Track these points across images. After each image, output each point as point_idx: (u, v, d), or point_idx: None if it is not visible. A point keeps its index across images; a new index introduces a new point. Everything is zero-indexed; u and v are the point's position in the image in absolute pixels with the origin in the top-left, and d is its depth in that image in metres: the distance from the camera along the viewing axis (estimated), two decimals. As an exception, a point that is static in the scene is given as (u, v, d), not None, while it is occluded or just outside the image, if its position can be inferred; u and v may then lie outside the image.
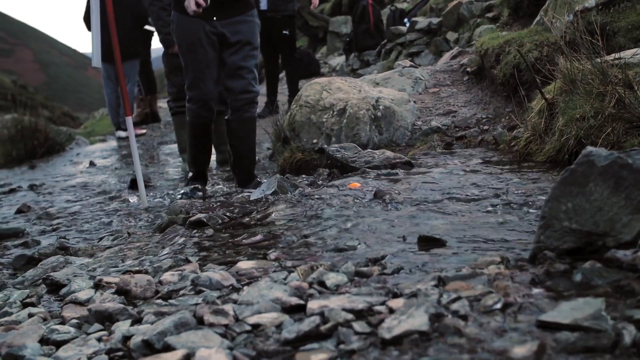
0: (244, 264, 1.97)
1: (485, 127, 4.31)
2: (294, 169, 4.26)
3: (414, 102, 4.84)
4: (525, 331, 1.20)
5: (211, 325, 1.43)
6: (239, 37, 3.79)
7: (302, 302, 1.51)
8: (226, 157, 4.93)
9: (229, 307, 1.50)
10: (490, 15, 7.71)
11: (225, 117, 4.01)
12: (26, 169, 7.44)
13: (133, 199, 4.26)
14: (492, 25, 7.14)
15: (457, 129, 4.41)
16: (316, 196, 2.88)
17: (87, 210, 4.21)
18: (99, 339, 1.51)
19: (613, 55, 3.34)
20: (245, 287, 1.70)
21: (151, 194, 4.45)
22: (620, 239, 1.49)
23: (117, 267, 2.35)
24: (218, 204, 3.21)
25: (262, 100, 7.11)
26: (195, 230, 2.68)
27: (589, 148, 1.56)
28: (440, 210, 2.44)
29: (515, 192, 2.64)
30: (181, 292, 1.80)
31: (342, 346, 1.24)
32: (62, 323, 1.71)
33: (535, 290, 1.39)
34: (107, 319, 1.66)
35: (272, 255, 2.07)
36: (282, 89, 8.94)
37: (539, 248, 1.58)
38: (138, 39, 8.03)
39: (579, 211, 1.52)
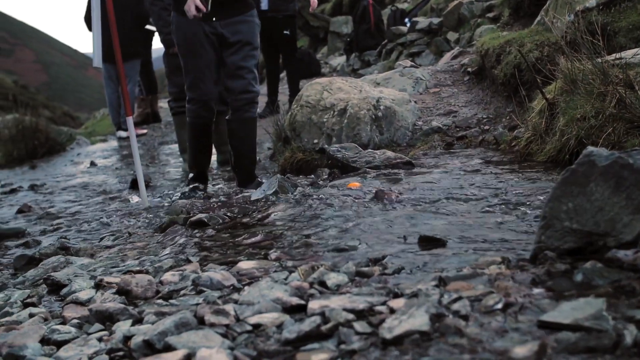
0: (245, 264, 1.97)
1: (486, 127, 4.31)
2: (295, 169, 4.26)
3: (415, 102, 4.84)
4: (526, 331, 1.20)
5: (212, 325, 1.43)
6: (239, 37, 3.80)
7: (303, 302, 1.51)
8: (227, 157, 4.93)
9: (229, 307, 1.50)
10: (491, 15, 7.70)
11: (226, 117, 4.01)
12: (27, 169, 7.45)
13: (134, 199, 4.26)
14: (492, 25, 7.13)
15: (458, 129, 4.41)
16: (317, 196, 2.87)
17: (87, 210, 4.21)
18: (100, 339, 1.51)
19: (614, 55, 3.34)
20: (246, 287, 1.70)
21: (152, 194, 4.45)
22: (621, 239, 1.49)
23: (118, 267, 2.35)
24: (219, 204, 3.22)
25: (262, 100, 7.11)
26: (196, 230, 2.68)
27: (590, 148, 1.56)
28: (440, 210, 2.44)
29: (516, 192, 2.64)
30: (182, 292, 1.81)
31: (343, 346, 1.24)
32: (63, 323, 1.71)
33: (536, 291, 1.39)
34: (107, 319, 1.66)
35: (273, 255, 2.07)
36: (283, 89, 8.93)
37: (540, 248, 1.58)
38: (139, 39, 8.03)
39: (579, 211, 1.52)
